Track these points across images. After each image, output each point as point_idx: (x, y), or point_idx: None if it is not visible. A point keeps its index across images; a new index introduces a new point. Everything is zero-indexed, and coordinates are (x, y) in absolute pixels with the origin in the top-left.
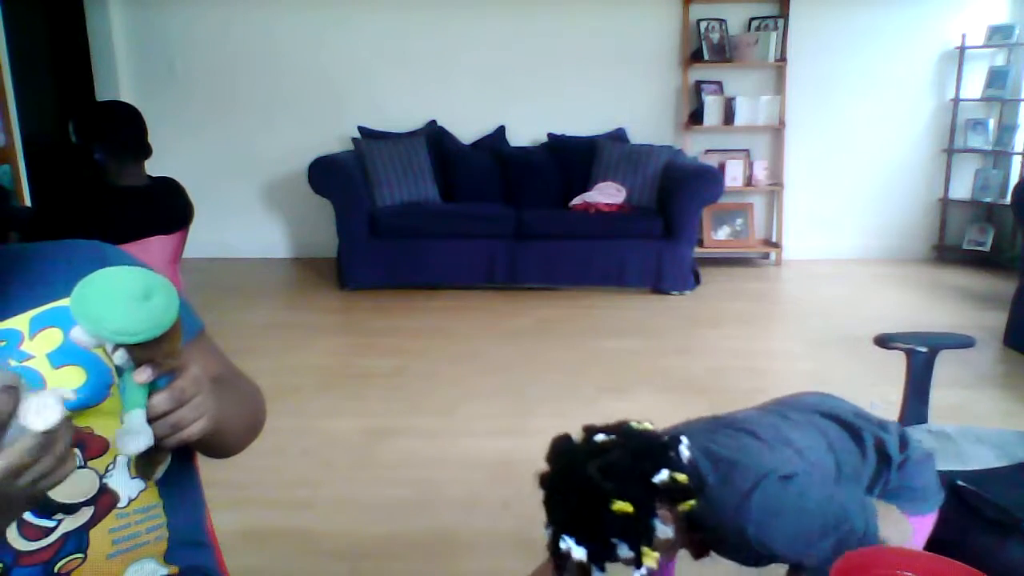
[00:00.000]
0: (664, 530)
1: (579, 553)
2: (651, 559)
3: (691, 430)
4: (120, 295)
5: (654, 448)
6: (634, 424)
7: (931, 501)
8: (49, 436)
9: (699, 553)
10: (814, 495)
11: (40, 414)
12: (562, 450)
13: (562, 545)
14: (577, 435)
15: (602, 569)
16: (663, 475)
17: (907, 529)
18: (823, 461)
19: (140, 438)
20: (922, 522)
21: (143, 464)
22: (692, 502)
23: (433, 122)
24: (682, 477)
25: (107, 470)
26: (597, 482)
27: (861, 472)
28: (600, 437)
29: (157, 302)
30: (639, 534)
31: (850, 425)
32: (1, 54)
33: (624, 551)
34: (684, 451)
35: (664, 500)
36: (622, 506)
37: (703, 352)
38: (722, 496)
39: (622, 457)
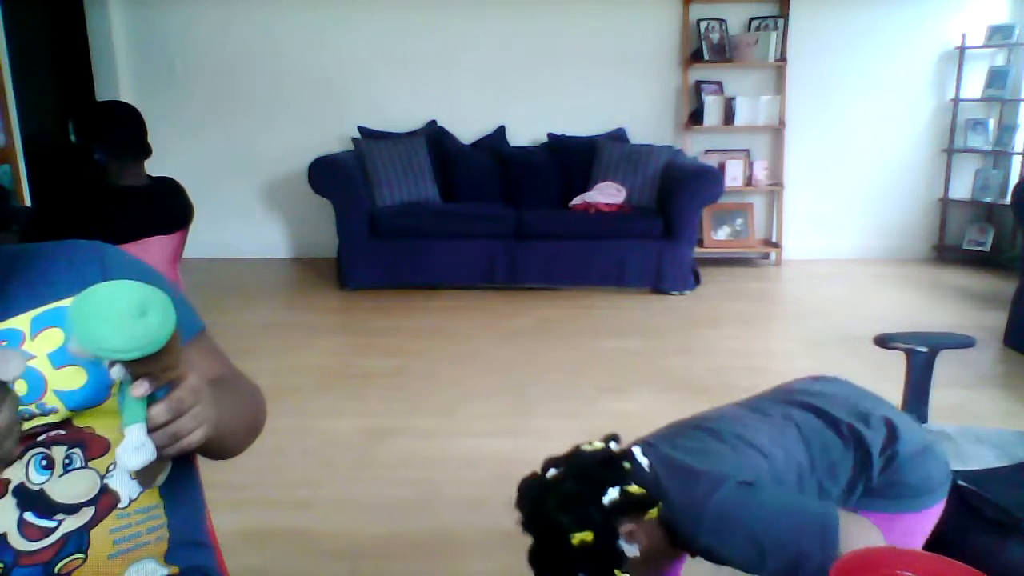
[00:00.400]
0: (631, 549)
1: None
2: None
3: (656, 435)
4: (115, 313)
5: (598, 468)
6: (586, 447)
7: (934, 494)
8: (5, 391)
9: (693, 553)
10: (775, 506)
11: (5, 364)
12: (525, 492)
13: None
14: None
15: None
16: (612, 493)
17: (878, 543)
18: (795, 458)
19: (142, 452)
20: (922, 518)
21: (143, 473)
22: (655, 511)
23: (433, 122)
24: (634, 489)
25: (108, 470)
26: (555, 518)
27: (840, 466)
28: (551, 472)
29: (152, 319)
30: (606, 561)
31: (828, 415)
32: (1, 54)
33: None
34: (641, 459)
35: (625, 517)
36: (582, 536)
37: (703, 352)
38: (679, 502)
39: (572, 486)
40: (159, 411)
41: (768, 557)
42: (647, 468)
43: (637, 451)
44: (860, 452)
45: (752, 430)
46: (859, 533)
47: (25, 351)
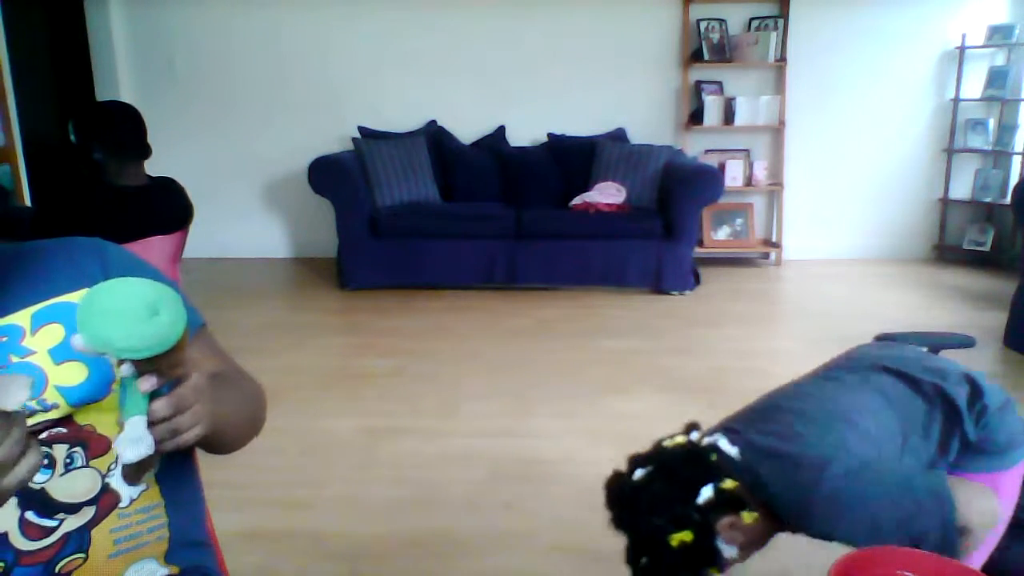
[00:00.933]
0: (728, 550)
1: None
2: None
3: (737, 421)
4: (127, 312)
5: (688, 467)
6: (668, 442)
7: (1022, 447)
8: (11, 419)
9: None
10: (884, 485)
11: (8, 393)
12: (614, 494)
13: None
14: (623, 466)
15: None
16: (707, 492)
17: (993, 509)
18: (886, 426)
19: (140, 445)
20: (1016, 473)
21: (132, 469)
22: (754, 514)
23: (433, 122)
24: (728, 484)
25: (109, 470)
26: (649, 521)
27: (930, 425)
28: (639, 473)
29: (165, 318)
30: (703, 559)
31: (908, 376)
32: (1, 54)
33: None
34: (728, 449)
35: (722, 514)
36: (680, 536)
37: (703, 352)
38: (781, 492)
39: (662, 487)
40: (161, 406)
41: (887, 536)
42: (737, 457)
43: (724, 442)
44: (947, 407)
45: (838, 404)
46: (971, 499)
47: (29, 367)
